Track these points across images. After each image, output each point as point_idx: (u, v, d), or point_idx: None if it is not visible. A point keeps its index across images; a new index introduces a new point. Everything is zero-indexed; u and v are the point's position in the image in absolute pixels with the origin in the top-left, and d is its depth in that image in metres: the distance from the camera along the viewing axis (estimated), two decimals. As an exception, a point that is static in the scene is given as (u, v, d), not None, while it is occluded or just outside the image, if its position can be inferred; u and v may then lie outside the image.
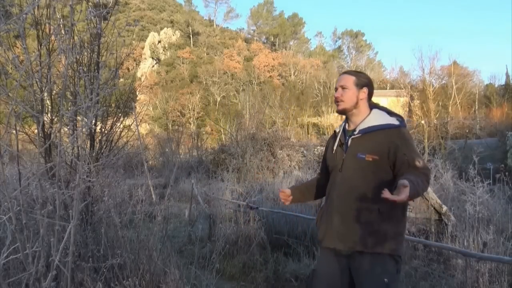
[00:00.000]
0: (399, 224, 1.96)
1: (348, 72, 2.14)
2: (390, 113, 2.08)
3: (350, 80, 2.06)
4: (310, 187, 2.33)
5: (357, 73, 2.12)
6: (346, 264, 1.96)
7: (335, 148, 2.10)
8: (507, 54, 77.95)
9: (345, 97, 2.04)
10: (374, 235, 1.88)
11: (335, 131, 2.19)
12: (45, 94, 2.83)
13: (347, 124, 2.12)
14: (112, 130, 3.54)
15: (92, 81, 1.90)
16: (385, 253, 1.89)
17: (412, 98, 26.77)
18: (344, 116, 2.15)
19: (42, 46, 2.99)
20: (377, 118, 2.02)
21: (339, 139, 2.09)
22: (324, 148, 2.33)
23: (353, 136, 2.02)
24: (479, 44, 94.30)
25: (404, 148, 1.90)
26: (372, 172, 1.92)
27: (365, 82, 2.08)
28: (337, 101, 2.07)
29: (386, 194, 1.61)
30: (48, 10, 2.99)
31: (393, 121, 2.00)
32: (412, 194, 1.65)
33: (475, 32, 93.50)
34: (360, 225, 1.90)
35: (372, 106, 2.11)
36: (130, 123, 4.12)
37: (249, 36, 70.12)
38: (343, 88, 2.06)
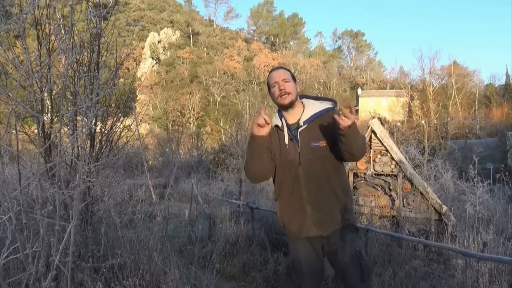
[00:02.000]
0: (351, 197, 2.21)
1: (281, 68, 2.23)
2: (319, 98, 2.24)
3: (288, 74, 2.15)
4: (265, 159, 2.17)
5: (287, 68, 2.25)
6: (320, 247, 2.14)
7: (287, 142, 2.11)
8: (507, 54, 77.99)
9: (290, 88, 2.10)
10: (344, 212, 2.10)
11: (277, 126, 2.16)
12: (45, 94, 2.83)
13: (284, 119, 2.15)
14: (112, 130, 3.54)
15: (92, 81, 1.90)
16: (351, 224, 2.14)
17: (412, 98, 26.80)
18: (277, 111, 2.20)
19: (42, 46, 2.99)
20: (313, 107, 2.14)
21: (288, 134, 2.12)
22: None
23: (300, 128, 2.10)
24: (479, 44, 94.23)
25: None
26: (326, 157, 2.08)
27: (294, 77, 2.21)
28: (284, 93, 2.09)
29: (339, 119, 1.82)
30: (48, 10, 2.99)
31: (326, 105, 2.15)
32: (355, 126, 1.86)
33: (475, 32, 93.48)
34: (332, 208, 2.09)
35: (300, 96, 2.22)
36: (130, 123, 4.12)
37: (249, 36, 70.15)
38: (285, 81, 2.11)
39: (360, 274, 2.05)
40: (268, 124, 1.98)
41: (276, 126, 2.17)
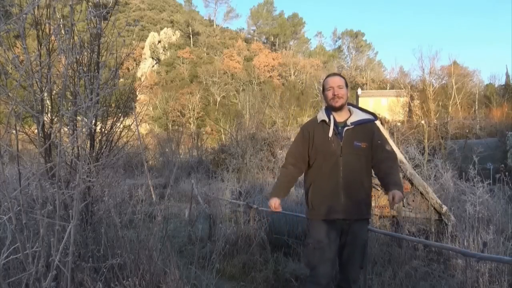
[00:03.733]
0: (371, 195, 2.63)
1: (338, 74, 2.63)
2: (362, 109, 2.60)
3: (342, 81, 2.53)
4: (291, 185, 2.73)
5: (343, 76, 2.63)
6: (341, 229, 2.46)
7: (330, 135, 2.45)
8: (507, 54, 77.97)
9: (343, 94, 2.49)
10: (366, 205, 2.52)
11: (324, 121, 2.52)
12: (45, 94, 2.83)
13: (332, 116, 2.51)
14: (112, 130, 3.54)
15: (92, 81, 1.90)
16: (367, 218, 2.58)
17: (412, 98, 26.80)
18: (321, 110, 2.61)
19: (42, 46, 2.99)
20: (360, 114, 2.53)
21: (333, 129, 2.47)
22: (300, 136, 2.64)
23: (347, 127, 2.47)
24: (479, 44, 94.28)
25: (378, 136, 2.51)
26: (364, 156, 2.46)
27: (347, 83, 2.58)
28: (337, 97, 2.47)
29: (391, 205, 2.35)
30: (48, 10, 2.99)
31: (370, 116, 2.54)
32: (398, 190, 2.32)
33: (475, 32, 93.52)
34: (360, 199, 2.45)
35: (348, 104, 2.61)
36: (130, 123, 4.12)
37: (249, 36, 70.15)
38: (339, 87, 2.49)
39: (361, 261, 2.50)
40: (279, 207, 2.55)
41: (323, 121, 2.52)
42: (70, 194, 1.84)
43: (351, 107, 2.59)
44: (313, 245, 2.49)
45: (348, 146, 2.43)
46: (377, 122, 2.60)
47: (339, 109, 2.49)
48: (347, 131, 2.46)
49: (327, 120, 2.50)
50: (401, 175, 5.89)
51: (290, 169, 2.64)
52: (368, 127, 2.50)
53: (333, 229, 2.45)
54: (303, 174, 2.67)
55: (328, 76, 2.62)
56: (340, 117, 2.51)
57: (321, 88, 2.68)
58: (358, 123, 2.48)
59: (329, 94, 2.50)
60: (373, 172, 2.58)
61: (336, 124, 2.49)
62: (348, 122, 2.47)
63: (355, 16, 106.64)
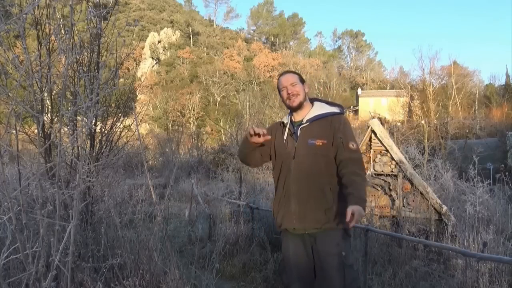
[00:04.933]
0: (342, 201, 2.10)
1: (289, 72, 2.38)
2: (329, 103, 2.34)
3: (295, 77, 2.29)
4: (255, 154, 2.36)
5: (295, 72, 2.41)
6: (310, 245, 2.15)
7: (285, 137, 2.26)
8: (507, 54, 78.00)
9: (298, 91, 2.24)
10: (328, 214, 2.10)
11: (282, 122, 2.35)
12: (45, 94, 2.83)
13: (292, 117, 2.31)
14: (112, 130, 3.54)
15: (92, 81, 1.90)
16: (339, 229, 2.10)
17: (412, 98, 26.79)
18: (288, 110, 2.34)
19: (42, 46, 2.99)
20: (321, 108, 2.26)
21: (289, 129, 2.27)
22: (270, 131, 2.37)
23: (302, 126, 2.22)
24: (479, 44, 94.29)
25: (342, 132, 2.16)
26: (322, 156, 2.15)
27: (303, 79, 2.34)
28: (293, 95, 2.23)
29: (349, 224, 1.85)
30: (48, 10, 2.99)
31: (335, 109, 2.27)
32: (359, 205, 1.88)
33: (475, 32, 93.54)
34: (315, 205, 2.11)
35: (312, 99, 2.36)
36: (130, 123, 4.12)
37: (249, 36, 70.13)
38: (292, 84, 2.25)
39: (341, 280, 2.03)
40: (259, 135, 2.16)
41: (282, 123, 2.34)
42: (70, 194, 1.84)
43: (315, 102, 2.33)
44: (282, 264, 2.28)
45: (302, 147, 2.17)
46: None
47: (298, 108, 2.25)
48: (302, 130, 2.21)
49: (285, 121, 2.32)
50: (401, 175, 5.92)
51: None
52: (327, 122, 2.19)
53: (299, 243, 2.17)
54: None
55: (280, 75, 2.37)
56: (299, 116, 2.28)
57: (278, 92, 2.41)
58: (315, 119, 2.21)
59: (284, 94, 2.27)
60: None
61: (292, 123, 2.28)
62: (304, 119, 2.23)
63: (355, 16, 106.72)
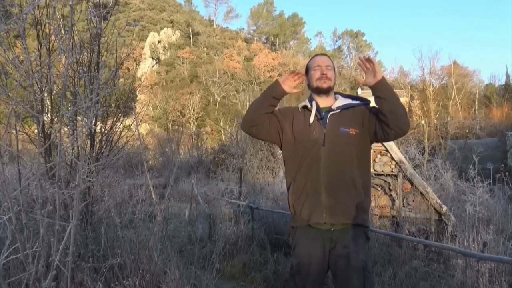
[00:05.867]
0: (370, 200, 2.10)
1: (326, 55, 2.20)
2: (354, 97, 2.18)
3: (331, 62, 2.14)
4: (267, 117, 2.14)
5: (331, 59, 2.20)
6: (328, 246, 1.99)
7: (311, 121, 2.05)
8: (507, 54, 77.91)
9: (331, 76, 2.10)
10: (358, 209, 1.98)
11: (305, 107, 2.14)
12: (45, 94, 2.83)
13: (315, 102, 2.11)
14: (112, 130, 3.54)
15: (92, 81, 1.90)
16: (364, 225, 2.02)
17: (412, 98, 26.74)
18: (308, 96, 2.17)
19: (42, 46, 2.99)
20: (347, 100, 2.12)
21: (316, 114, 2.07)
22: (286, 112, 2.18)
23: (332, 112, 2.05)
24: (479, 44, 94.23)
25: (373, 109, 2.03)
26: (355, 145, 2.01)
27: (335, 68, 2.17)
28: (325, 78, 2.07)
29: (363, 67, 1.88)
30: (48, 10, 2.99)
31: (361, 102, 2.12)
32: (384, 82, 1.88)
33: (475, 32, 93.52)
34: (347, 198, 1.97)
35: (335, 93, 2.20)
36: (130, 123, 4.12)
37: (249, 36, 70.10)
38: (328, 68, 2.09)
39: (361, 286, 1.92)
40: (298, 77, 2.04)
41: (305, 107, 2.14)
42: (70, 194, 1.84)
43: (338, 95, 2.18)
44: (296, 267, 2.04)
45: (333, 134, 2.00)
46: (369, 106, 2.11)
47: (326, 91, 2.09)
48: (332, 116, 2.04)
49: (309, 105, 2.12)
50: (401, 175, 5.92)
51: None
52: (358, 111, 2.06)
53: (317, 245, 1.99)
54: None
55: (315, 55, 2.20)
56: (324, 102, 2.11)
57: (305, 70, 2.21)
58: (345, 107, 2.07)
59: (316, 73, 2.09)
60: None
61: (318, 109, 2.09)
62: (334, 106, 2.07)
63: (355, 16, 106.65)
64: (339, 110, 2.06)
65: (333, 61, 2.21)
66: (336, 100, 2.13)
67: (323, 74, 2.07)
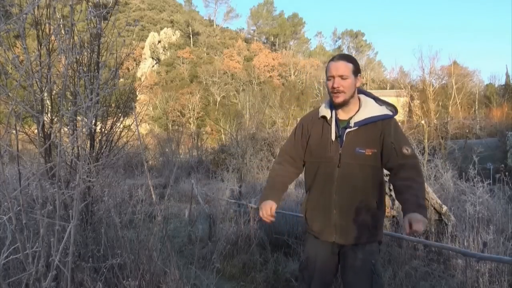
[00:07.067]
0: (384, 213, 2.06)
1: (344, 58, 1.99)
2: (379, 100, 2.04)
3: (348, 68, 1.94)
4: (286, 186, 2.17)
5: (352, 59, 2.01)
6: (337, 250, 2.02)
7: (333, 138, 1.97)
8: (507, 54, 77.92)
9: (346, 87, 1.92)
10: (371, 228, 1.96)
11: (325, 117, 2.03)
12: (45, 94, 2.83)
13: (335, 112, 2.01)
14: (112, 130, 3.54)
15: (92, 81, 1.90)
16: (372, 242, 2.00)
17: (412, 98, 26.73)
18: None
19: (42, 46, 2.99)
20: (370, 109, 1.97)
21: (335, 131, 1.98)
22: (299, 130, 2.13)
23: (349, 130, 1.95)
24: (479, 43, 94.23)
25: (393, 137, 1.91)
26: (370, 166, 1.93)
27: (359, 68, 1.99)
28: (338, 91, 1.92)
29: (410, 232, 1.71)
30: (48, 10, 2.99)
31: (385, 111, 1.98)
32: (418, 213, 1.72)
33: (475, 31, 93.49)
34: (361, 220, 1.92)
35: (360, 92, 2.05)
36: (130, 123, 4.12)
37: (249, 36, 70.10)
38: (342, 77, 1.92)
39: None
40: (272, 215, 2.03)
41: (323, 117, 2.03)
42: (70, 194, 1.84)
43: (362, 97, 2.01)
44: (305, 262, 2.11)
45: (348, 154, 1.92)
46: (395, 119, 1.98)
47: (340, 105, 1.96)
48: (348, 135, 1.94)
49: (328, 116, 2.00)
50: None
51: (286, 166, 2.13)
52: (377, 127, 1.92)
53: (328, 248, 2.02)
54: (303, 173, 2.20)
55: (332, 59, 2.01)
56: (345, 113, 1.99)
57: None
58: (365, 123, 1.93)
59: (329, 85, 1.96)
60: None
61: (337, 123, 1.98)
62: (352, 122, 1.94)
63: (355, 16, 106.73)
64: (356, 128, 1.94)
65: (353, 59, 2.01)
66: (359, 107, 1.98)
67: (334, 87, 1.93)
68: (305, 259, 2.12)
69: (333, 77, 1.94)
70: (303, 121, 2.16)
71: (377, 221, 1.98)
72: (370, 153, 1.91)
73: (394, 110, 2.01)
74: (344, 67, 1.93)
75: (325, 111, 2.04)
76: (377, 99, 2.04)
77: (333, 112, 2.01)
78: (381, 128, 1.93)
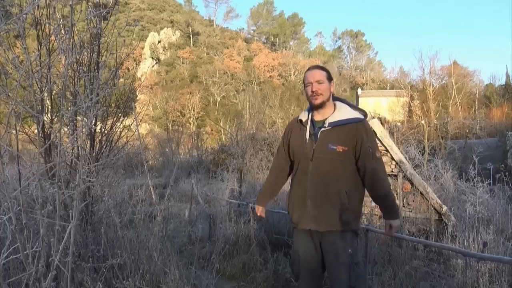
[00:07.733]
0: (360, 204, 2.28)
1: (318, 67, 2.33)
2: (352, 106, 2.33)
3: (323, 75, 2.25)
4: (278, 186, 2.59)
5: (324, 68, 2.34)
6: (318, 241, 2.23)
7: (307, 137, 2.25)
8: (507, 54, 77.92)
9: (323, 90, 2.22)
10: (343, 216, 2.17)
11: (301, 120, 2.34)
12: (45, 94, 2.83)
13: (311, 115, 2.30)
14: (112, 130, 3.54)
15: (92, 81, 1.90)
16: (350, 230, 2.21)
17: (412, 98, 26.75)
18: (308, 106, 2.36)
19: (42, 46, 2.99)
20: (344, 113, 2.24)
21: (309, 130, 2.26)
22: (284, 135, 2.47)
23: (323, 129, 2.22)
24: (479, 43, 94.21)
25: (370, 141, 2.21)
26: (340, 161, 2.18)
27: (331, 76, 2.31)
28: (316, 94, 2.21)
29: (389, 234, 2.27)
30: (48, 10, 2.99)
31: (357, 115, 2.25)
32: (393, 219, 2.24)
33: (475, 31, 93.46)
34: (331, 208, 2.16)
35: (335, 98, 2.34)
36: (130, 123, 4.12)
37: (249, 36, 70.12)
38: (319, 82, 2.22)
39: (348, 276, 2.12)
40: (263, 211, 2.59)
41: (300, 120, 2.34)
42: (70, 194, 1.84)
43: (338, 103, 2.30)
44: (292, 256, 2.38)
45: (321, 150, 2.18)
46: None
47: (319, 107, 2.24)
48: (322, 133, 2.21)
49: (304, 119, 2.32)
50: (401, 175, 5.91)
51: (272, 177, 2.56)
52: (351, 129, 2.19)
53: (310, 240, 2.24)
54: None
55: (307, 69, 2.34)
56: (320, 115, 2.27)
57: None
58: (338, 124, 2.20)
59: (308, 90, 2.25)
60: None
61: (313, 123, 2.28)
62: (326, 122, 2.21)
63: (355, 16, 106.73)
64: (330, 127, 2.21)
65: (326, 68, 2.34)
66: (334, 110, 2.26)
67: (313, 91, 2.22)
68: (292, 252, 2.40)
69: (311, 83, 2.24)
70: (287, 126, 2.51)
71: (348, 210, 2.17)
72: (341, 150, 2.16)
73: (365, 114, 2.32)
74: (319, 74, 2.25)
75: (302, 115, 2.36)
76: (351, 105, 2.33)
77: (310, 115, 2.31)
78: (355, 131, 2.19)
